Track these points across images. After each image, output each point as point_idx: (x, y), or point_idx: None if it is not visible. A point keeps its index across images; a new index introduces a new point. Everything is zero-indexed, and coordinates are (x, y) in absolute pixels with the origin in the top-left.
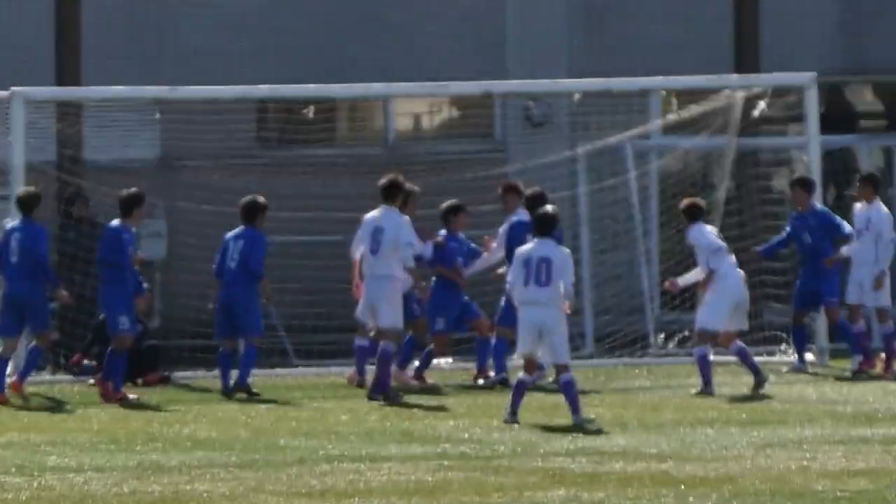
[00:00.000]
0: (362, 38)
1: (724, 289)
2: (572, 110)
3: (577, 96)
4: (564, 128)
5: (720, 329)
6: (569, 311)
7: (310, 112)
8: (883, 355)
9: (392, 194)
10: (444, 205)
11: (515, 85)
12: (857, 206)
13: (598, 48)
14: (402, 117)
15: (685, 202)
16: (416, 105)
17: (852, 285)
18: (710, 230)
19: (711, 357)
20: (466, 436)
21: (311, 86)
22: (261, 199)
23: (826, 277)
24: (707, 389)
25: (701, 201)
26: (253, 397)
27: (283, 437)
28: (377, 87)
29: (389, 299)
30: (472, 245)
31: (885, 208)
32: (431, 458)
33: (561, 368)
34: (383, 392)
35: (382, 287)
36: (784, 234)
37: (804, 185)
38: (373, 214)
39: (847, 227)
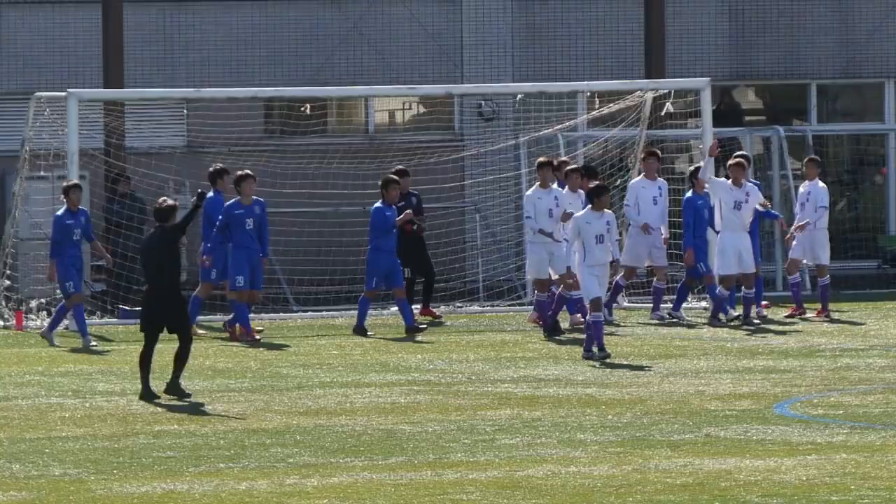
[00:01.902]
0: (345, 48)
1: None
2: (516, 108)
3: (519, 96)
4: (509, 121)
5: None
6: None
7: (306, 109)
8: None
9: None
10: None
11: (471, 87)
12: (804, 183)
13: (536, 58)
14: (380, 113)
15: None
16: (390, 103)
17: (798, 244)
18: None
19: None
20: (432, 366)
21: (307, 88)
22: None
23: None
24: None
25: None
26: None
27: (285, 368)
28: (360, 89)
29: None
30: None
31: (821, 183)
32: (403, 384)
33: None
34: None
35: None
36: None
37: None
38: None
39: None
